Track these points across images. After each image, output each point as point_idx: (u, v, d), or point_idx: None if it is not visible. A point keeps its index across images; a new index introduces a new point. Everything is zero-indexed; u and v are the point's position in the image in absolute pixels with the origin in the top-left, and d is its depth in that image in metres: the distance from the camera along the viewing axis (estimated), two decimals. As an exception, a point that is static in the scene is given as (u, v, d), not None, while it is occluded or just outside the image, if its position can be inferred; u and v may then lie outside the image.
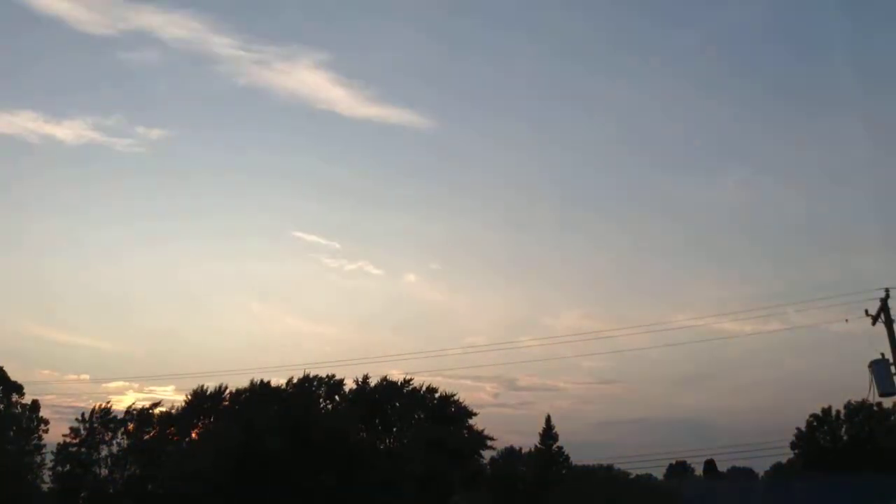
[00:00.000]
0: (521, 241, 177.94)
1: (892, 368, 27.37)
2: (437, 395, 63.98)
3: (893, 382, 26.99)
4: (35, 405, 63.79)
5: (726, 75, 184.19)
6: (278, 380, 64.16)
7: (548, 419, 77.85)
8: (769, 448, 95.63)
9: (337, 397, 64.01)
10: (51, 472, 61.69)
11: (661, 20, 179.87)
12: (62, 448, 61.39)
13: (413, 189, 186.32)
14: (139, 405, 63.91)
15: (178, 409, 63.11)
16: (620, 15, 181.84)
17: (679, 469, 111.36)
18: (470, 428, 63.64)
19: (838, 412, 75.60)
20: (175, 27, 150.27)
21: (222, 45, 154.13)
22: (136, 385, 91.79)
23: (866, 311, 29.39)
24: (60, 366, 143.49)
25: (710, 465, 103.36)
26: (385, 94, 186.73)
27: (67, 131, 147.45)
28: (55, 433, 63.01)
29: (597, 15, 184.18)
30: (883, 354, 27.66)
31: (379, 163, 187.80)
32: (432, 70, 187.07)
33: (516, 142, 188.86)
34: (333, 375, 64.53)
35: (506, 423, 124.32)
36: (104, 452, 61.59)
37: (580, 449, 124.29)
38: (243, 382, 64.02)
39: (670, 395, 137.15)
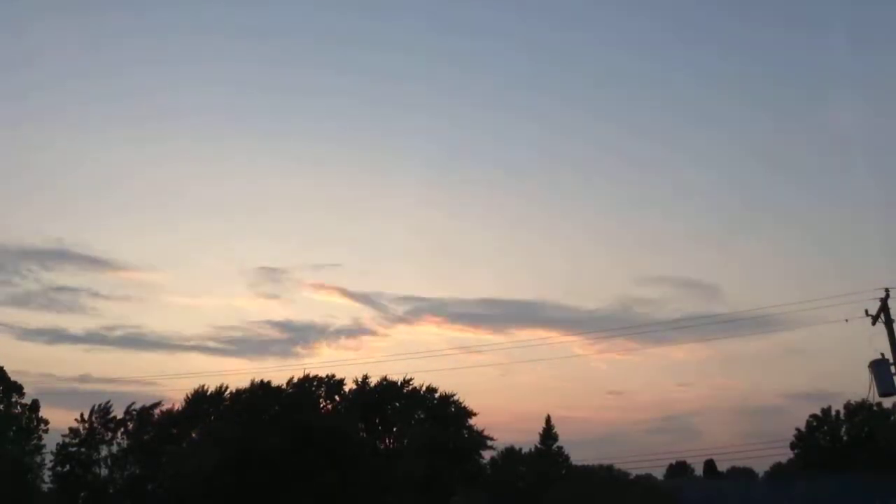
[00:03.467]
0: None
1: (892, 368, 27.30)
2: (436, 395, 63.95)
3: (893, 382, 26.88)
4: (35, 405, 63.58)
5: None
6: (279, 379, 64.23)
7: (548, 419, 77.88)
8: (769, 448, 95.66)
9: (337, 397, 63.98)
10: (51, 472, 61.64)
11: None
12: (62, 448, 61.29)
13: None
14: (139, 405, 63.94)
15: (178, 409, 63.13)
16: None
17: (679, 469, 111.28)
18: (470, 428, 63.59)
19: (838, 412, 75.60)
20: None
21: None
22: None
23: (866, 311, 29.30)
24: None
25: (710, 465, 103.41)
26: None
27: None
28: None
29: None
30: (883, 354, 27.55)
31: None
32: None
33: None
34: (333, 375, 64.58)
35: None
36: (104, 452, 61.55)
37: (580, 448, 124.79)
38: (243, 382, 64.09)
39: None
